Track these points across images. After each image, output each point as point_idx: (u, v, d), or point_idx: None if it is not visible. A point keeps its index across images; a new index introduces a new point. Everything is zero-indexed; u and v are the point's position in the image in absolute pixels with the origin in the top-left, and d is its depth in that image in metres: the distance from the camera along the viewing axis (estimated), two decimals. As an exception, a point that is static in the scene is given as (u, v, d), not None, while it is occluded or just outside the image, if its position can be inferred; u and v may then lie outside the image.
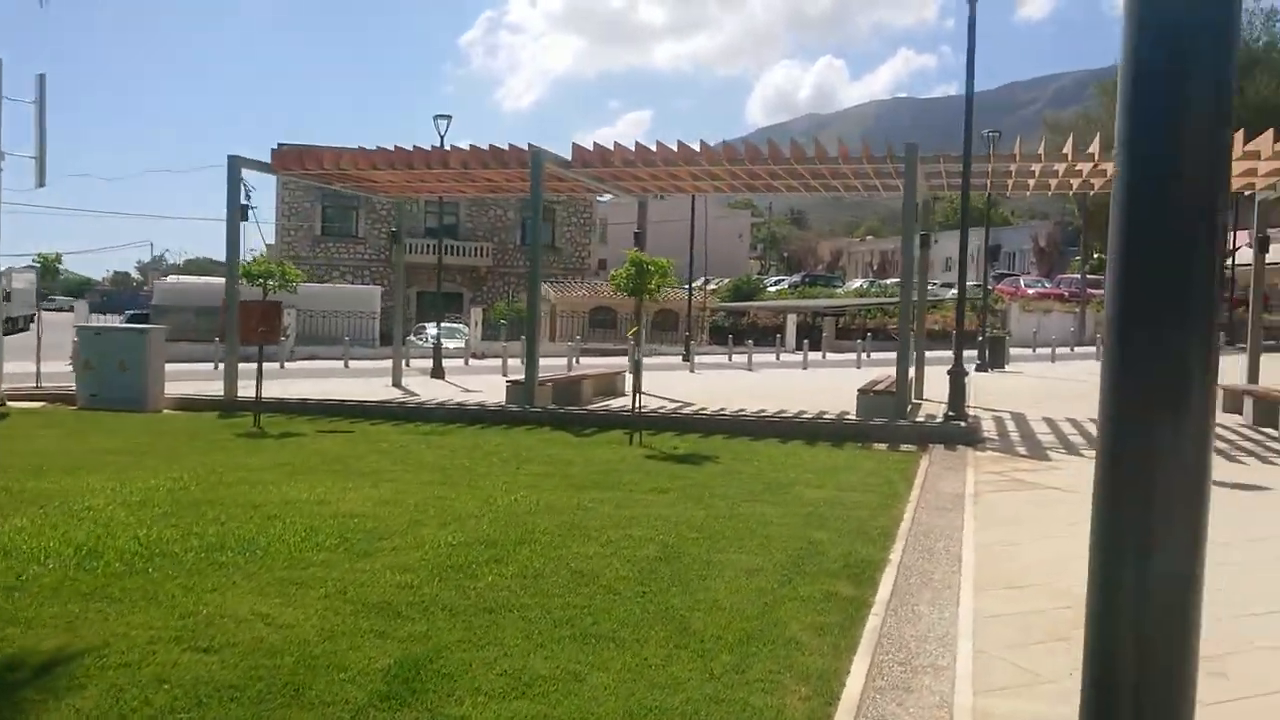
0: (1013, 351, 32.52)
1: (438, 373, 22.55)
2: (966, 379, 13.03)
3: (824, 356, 32.40)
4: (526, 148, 14.67)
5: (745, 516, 7.36)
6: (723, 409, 15.03)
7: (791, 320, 37.88)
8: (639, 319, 12.22)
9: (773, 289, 63.22)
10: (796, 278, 67.55)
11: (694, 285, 63.55)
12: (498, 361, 25.49)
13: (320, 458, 10.09)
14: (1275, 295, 52.83)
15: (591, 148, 14.70)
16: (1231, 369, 16.76)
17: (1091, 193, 17.01)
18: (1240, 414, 14.43)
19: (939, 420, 12.90)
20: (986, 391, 19.47)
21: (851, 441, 11.84)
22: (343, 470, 9.23)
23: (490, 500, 7.82)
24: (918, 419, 13.71)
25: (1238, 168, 13.67)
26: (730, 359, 30.74)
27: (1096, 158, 13.53)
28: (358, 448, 10.92)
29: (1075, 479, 9.34)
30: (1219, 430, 13.14)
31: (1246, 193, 15.66)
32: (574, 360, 28.64)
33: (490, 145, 15.03)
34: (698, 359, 31.45)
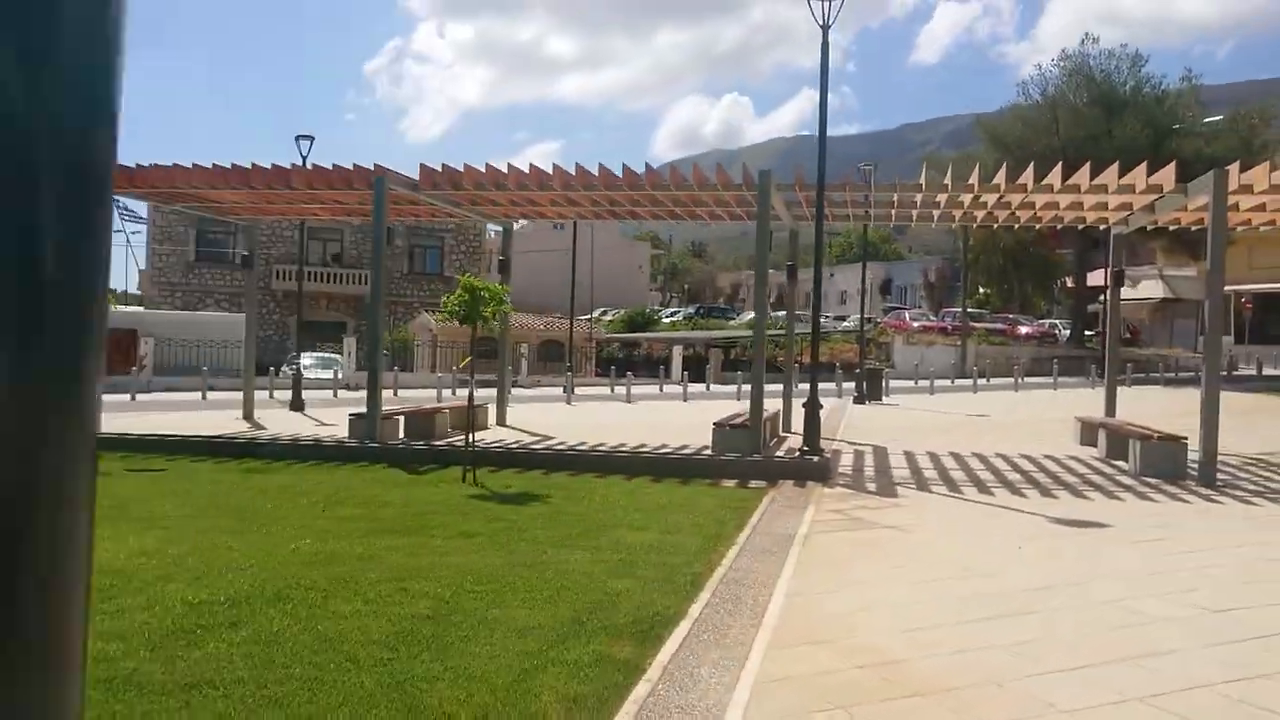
0: (894, 384, 32.79)
1: (297, 405, 21.48)
2: (822, 410, 12.67)
3: (708, 388, 32.11)
4: (372, 168, 13.91)
5: (548, 564, 6.72)
6: (581, 443, 14.43)
7: (677, 351, 37.58)
8: (473, 349, 11.53)
9: (667, 320, 63.23)
10: (691, 309, 67.70)
11: (590, 316, 63.46)
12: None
13: (104, 500, 9.10)
14: (1146, 330, 54.96)
15: (440, 169, 14.01)
16: (1096, 400, 16.89)
17: (972, 225, 17.00)
18: (1095, 447, 14.42)
19: (794, 455, 12.51)
20: (858, 424, 19.31)
21: (701, 477, 11.33)
22: (119, 515, 8.30)
23: (270, 550, 7.02)
24: (778, 454, 13.31)
25: (1089, 200, 13.73)
26: (613, 390, 30.19)
27: (945, 188, 13.42)
28: (157, 488, 9.95)
29: (915, 518, 8.98)
30: (1072, 464, 13.05)
31: (1101, 227, 15.81)
32: (452, 391, 27.76)
33: (334, 165, 14.23)
34: (579, 391, 30.84)
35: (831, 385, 30.42)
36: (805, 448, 12.34)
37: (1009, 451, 14.38)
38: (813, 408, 12.42)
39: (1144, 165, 12.36)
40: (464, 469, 10.73)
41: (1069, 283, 49.21)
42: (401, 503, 9.23)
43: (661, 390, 31.01)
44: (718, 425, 13.20)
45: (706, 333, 49.44)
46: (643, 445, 14.43)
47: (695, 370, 36.52)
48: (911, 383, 33.80)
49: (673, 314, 68.38)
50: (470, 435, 10.91)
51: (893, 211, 15.55)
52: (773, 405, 17.24)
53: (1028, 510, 9.45)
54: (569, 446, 13.87)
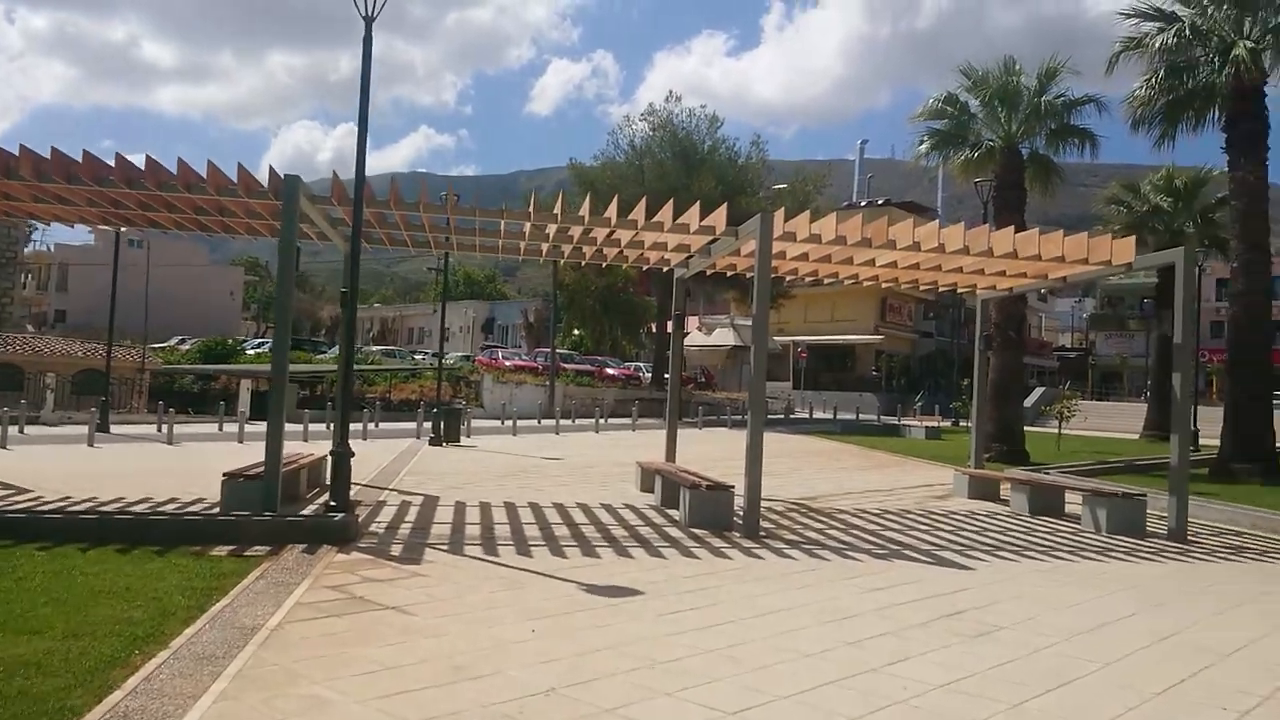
0: (480, 424, 31.81)
1: None
2: (352, 457, 10.94)
3: (277, 427, 29.01)
4: None
5: None
6: (66, 499, 11.62)
7: (245, 386, 33.95)
8: None
9: (252, 351, 58.06)
10: (279, 340, 62.77)
11: (162, 345, 56.69)
12: None
13: None
14: (720, 374, 59.09)
15: None
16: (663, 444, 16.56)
17: (540, 258, 16.11)
18: (653, 493, 14.00)
19: (315, 511, 10.66)
20: (424, 469, 17.78)
21: (192, 543, 9.10)
22: None
23: None
24: (303, 511, 11.38)
25: (650, 239, 13.36)
26: (160, 429, 26.25)
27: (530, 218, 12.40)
28: None
29: (429, 593, 7.52)
30: (626, 514, 12.39)
31: (664, 270, 15.66)
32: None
33: None
34: (119, 429, 26.58)
35: (413, 425, 28.77)
36: (332, 502, 10.54)
37: (567, 500, 13.54)
38: (340, 456, 10.66)
39: (697, 206, 12.13)
40: None
41: (654, 327, 51.61)
42: None
43: (220, 429, 27.53)
44: (229, 476, 11.02)
45: (294, 366, 45.65)
46: (145, 499, 11.89)
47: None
48: (499, 422, 33.05)
49: (260, 344, 63.13)
50: None
51: (449, 238, 14.31)
52: (319, 450, 15.27)
53: (563, 575, 8.35)
54: (27, 506, 10.96)
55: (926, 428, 35.78)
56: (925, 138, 26.60)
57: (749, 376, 11.48)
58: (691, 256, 14.44)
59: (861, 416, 45.49)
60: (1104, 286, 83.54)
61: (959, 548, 10.84)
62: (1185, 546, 11.51)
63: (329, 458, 11.16)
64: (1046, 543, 11.54)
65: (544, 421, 34.67)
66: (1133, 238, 13.39)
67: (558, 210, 12.20)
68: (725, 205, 12.20)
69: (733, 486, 11.86)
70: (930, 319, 69.48)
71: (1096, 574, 9.62)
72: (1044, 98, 25.00)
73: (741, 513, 11.36)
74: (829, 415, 46.44)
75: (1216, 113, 21.26)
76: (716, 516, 11.38)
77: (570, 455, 22.04)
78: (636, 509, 12.96)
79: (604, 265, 16.73)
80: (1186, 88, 21.32)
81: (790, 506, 13.88)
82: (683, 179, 38.78)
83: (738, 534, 10.96)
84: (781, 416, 44.81)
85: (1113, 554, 10.84)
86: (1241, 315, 20.48)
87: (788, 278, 15.89)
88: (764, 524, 11.51)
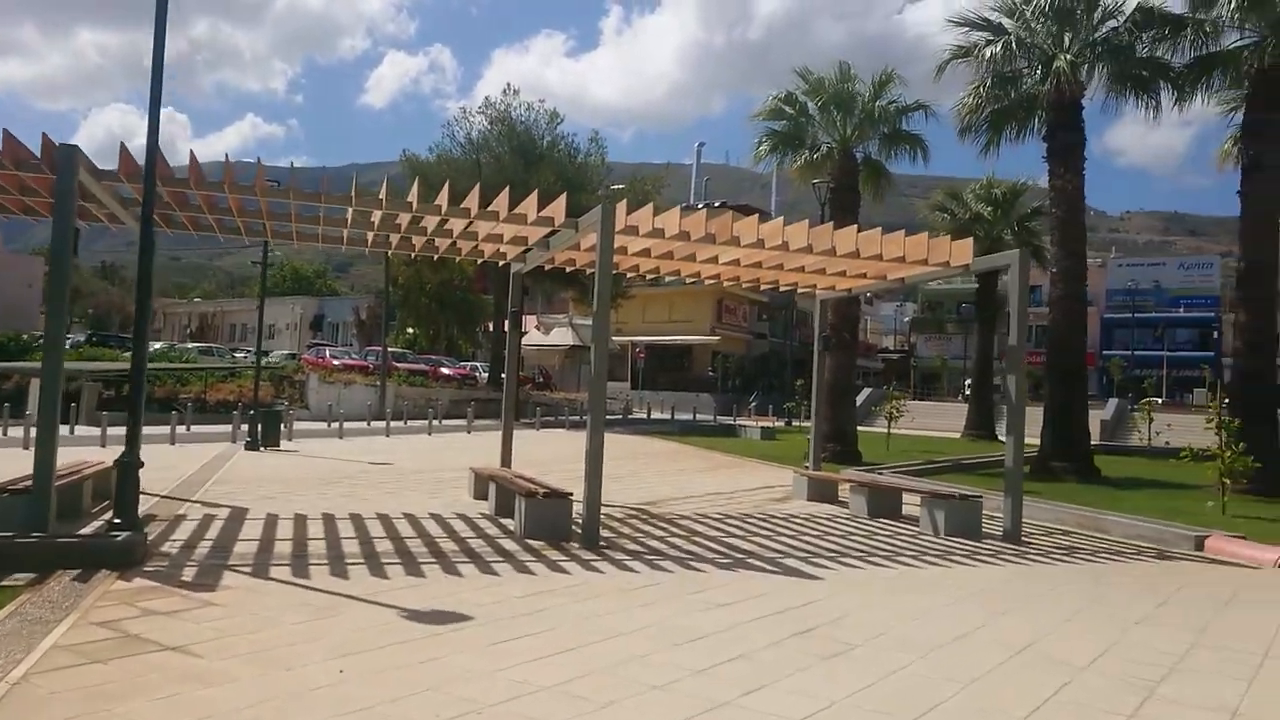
0: (305, 426, 30.11)
1: None
2: (141, 469, 9.65)
3: (72, 431, 26.43)
4: None
5: None
6: None
7: (35, 385, 30.92)
8: None
9: (51, 348, 53.42)
10: (82, 337, 58.11)
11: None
12: None
13: None
14: (558, 374, 58.43)
15: None
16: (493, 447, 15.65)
17: (365, 249, 14.94)
18: (488, 500, 13.17)
19: (96, 530, 9.35)
20: (236, 476, 16.34)
21: (-62, 572, 7.72)
22: None
23: None
24: (82, 529, 10.02)
25: (484, 229, 12.54)
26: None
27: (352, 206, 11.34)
28: None
29: (222, 627, 6.50)
30: (457, 525, 11.53)
31: (500, 264, 14.84)
32: None
33: None
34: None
35: (229, 428, 26.80)
36: (116, 519, 9.25)
37: (394, 510, 12.56)
38: (127, 466, 9.37)
39: (535, 196, 11.43)
40: None
41: (491, 326, 50.42)
42: None
43: (4, 434, 24.94)
44: (-7, 490, 9.55)
45: (91, 364, 42.05)
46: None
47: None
48: (325, 425, 31.33)
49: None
50: None
51: (264, 224, 13.06)
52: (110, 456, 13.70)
53: (382, 599, 7.47)
54: None
55: (761, 428, 36.14)
56: (764, 138, 26.68)
57: (589, 376, 10.83)
58: (529, 250, 13.71)
59: (698, 417, 45.74)
60: (924, 291, 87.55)
61: (803, 555, 10.51)
62: (1021, 548, 11.59)
63: (109, 468, 9.84)
64: (889, 547, 11.39)
65: (374, 424, 33.11)
66: (970, 240, 13.51)
67: (383, 195, 11.21)
68: (564, 196, 11.54)
69: (571, 494, 11.17)
70: (764, 321, 70.92)
71: (941, 580, 9.45)
72: (877, 103, 25.48)
73: (581, 521, 10.71)
74: (667, 415, 46.48)
75: (1038, 123, 22.10)
76: (554, 526, 10.67)
77: (400, 460, 20.88)
78: (468, 519, 12.11)
79: (436, 258, 15.80)
80: (1011, 97, 22.10)
81: (630, 513, 13.33)
82: (521, 174, 37.86)
83: (576, 545, 10.30)
84: (620, 417, 44.52)
85: (954, 558, 10.76)
86: (1061, 320, 21.33)
87: (629, 275, 15.38)
88: (604, 532, 10.90)
